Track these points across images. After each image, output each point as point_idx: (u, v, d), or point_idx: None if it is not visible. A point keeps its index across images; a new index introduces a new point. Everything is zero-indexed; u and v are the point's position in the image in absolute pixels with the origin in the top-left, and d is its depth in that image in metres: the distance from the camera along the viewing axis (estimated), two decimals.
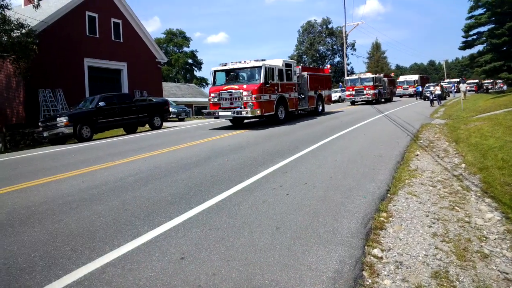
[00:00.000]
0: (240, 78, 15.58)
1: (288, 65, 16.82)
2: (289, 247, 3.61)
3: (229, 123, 17.22)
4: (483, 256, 3.57)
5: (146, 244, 3.78)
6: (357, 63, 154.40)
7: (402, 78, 49.64)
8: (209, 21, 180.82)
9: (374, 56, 77.09)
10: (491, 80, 49.88)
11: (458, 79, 56.77)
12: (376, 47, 78.06)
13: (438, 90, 30.14)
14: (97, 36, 24.40)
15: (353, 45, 65.29)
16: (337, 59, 67.82)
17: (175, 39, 58.73)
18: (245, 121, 17.24)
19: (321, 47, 66.91)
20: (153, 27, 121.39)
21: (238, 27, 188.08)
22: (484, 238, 3.98)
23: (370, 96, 30.12)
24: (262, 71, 14.32)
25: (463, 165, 7.12)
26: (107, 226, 4.34)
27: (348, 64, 54.66)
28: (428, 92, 34.49)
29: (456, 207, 4.88)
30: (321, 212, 4.55)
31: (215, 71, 15.93)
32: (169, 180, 6.38)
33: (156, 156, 8.94)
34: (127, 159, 8.77)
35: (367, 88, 30.35)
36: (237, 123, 16.61)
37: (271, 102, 14.88)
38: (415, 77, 48.11)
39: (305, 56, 66.67)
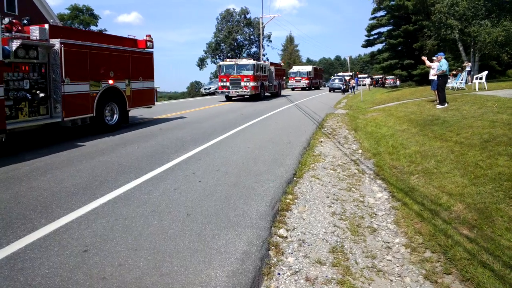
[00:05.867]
0: None
1: None
2: (200, 232, 3.64)
3: None
4: (372, 230, 4.07)
5: (43, 239, 3.46)
6: (272, 54, 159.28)
7: (295, 68, 46.66)
8: None
9: (288, 48, 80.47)
10: (381, 76, 55.58)
11: (351, 73, 61.88)
12: (290, 40, 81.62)
13: (353, 83, 34.52)
14: None
15: (269, 36, 66.79)
16: (254, 49, 68.92)
17: (81, 16, 53.47)
18: None
19: (239, 36, 67.26)
20: (55, 1, 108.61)
21: (153, 7, 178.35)
22: (374, 215, 4.52)
23: (248, 90, 22.44)
24: None
25: (360, 151, 7.95)
26: None
27: (264, 55, 55.88)
28: (336, 84, 38.42)
29: (352, 188, 5.44)
30: (232, 197, 4.67)
31: None
32: (72, 169, 5.88)
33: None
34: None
35: (245, 79, 22.45)
36: None
37: None
38: (309, 68, 45.89)
39: (223, 44, 66.37)
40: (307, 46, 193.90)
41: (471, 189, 4.61)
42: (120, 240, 3.45)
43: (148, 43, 11.94)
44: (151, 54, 12.18)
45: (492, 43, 20.59)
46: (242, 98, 23.63)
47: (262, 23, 46.81)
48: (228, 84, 22.81)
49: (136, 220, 3.91)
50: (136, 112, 13.74)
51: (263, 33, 49.73)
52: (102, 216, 3.99)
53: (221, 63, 24.36)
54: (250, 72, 22.59)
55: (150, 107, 12.58)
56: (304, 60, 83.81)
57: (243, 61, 23.47)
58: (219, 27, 67.64)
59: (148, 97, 12.04)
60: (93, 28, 57.31)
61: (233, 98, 23.59)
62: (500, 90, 14.29)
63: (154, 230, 3.67)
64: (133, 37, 11.71)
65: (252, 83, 22.43)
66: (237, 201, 4.53)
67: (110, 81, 9.97)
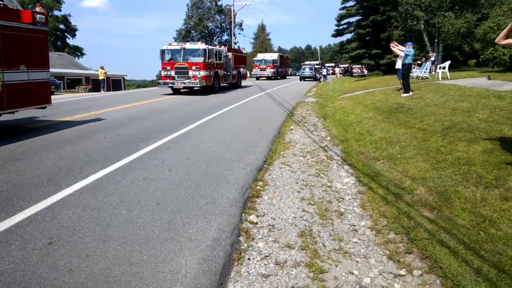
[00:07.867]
0: None
1: None
2: (170, 221, 3.62)
3: None
4: (340, 214, 4.20)
5: (3, 233, 3.31)
6: (244, 43, 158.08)
7: (260, 56, 44.29)
8: None
9: (260, 37, 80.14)
10: (347, 65, 56.43)
11: (318, 62, 62.60)
12: (262, 28, 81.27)
13: (325, 72, 35.38)
14: None
15: (240, 24, 66.32)
16: (226, 37, 68.19)
17: (44, 0, 50.84)
18: None
19: (210, 24, 66.20)
20: None
21: None
22: (341, 199, 4.66)
23: (197, 81, 18.29)
24: None
25: (329, 138, 8.13)
26: None
27: (235, 43, 55.30)
28: (307, 73, 39.11)
29: (321, 174, 5.56)
30: (203, 185, 4.66)
31: None
32: (35, 160, 5.64)
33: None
34: None
35: (194, 67, 18.42)
36: None
37: None
38: (275, 56, 43.97)
39: (193, 31, 65.11)
40: (278, 35, 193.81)
41: (433, 173, 4.83)
42: (87, 231, 3.37)
43: (38, 16, 8.14)
44: (44, 32, 8.45)
45: (455, 34, 21.46)
46: (191, 91, 19.90)
47: (234, 11, 46.28)
48: (172, 73, 18.66)
49: (104, 210, 3.83)
50: (30, 112, 10.30)
51: (234, 21, 49.22)
52: (68, 207, 3.88)
53: (164, 47, 19.45)
54: (201, 59, 18.52)
55: (44, 107, 8.92)
56: (276, 49, 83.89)
57: (192, 46, 19.31)
58: (190, 14, 66.23)
59: (39, 93, 8.44)
60: (56, 13, 54.68)
61: (181, 91, 19.69)
62: (461, 79, 14.96)
63: (122, 220, 3.61)
64: (13, 7, 7.94)
65: (202, 73, 18.42)
66: (208, 189, 4.53)
67: None
